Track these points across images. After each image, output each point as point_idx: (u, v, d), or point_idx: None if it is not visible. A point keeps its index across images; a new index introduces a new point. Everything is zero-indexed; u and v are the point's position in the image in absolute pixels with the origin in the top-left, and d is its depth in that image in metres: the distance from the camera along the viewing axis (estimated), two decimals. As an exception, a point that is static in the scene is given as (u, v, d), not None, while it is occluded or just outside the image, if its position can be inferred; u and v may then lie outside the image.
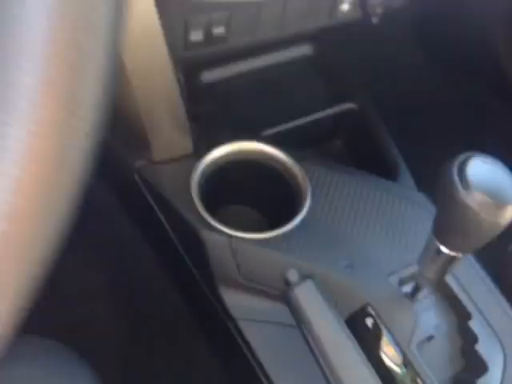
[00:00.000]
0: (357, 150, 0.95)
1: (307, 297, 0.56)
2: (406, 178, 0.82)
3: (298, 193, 0.76)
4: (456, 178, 0.51)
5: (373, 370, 0.55)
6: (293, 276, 0.57)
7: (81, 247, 1.09)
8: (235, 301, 0.68)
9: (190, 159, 0.75)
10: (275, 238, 0.69)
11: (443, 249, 0.57)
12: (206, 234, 0.69)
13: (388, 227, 0.73)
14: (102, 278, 1.05)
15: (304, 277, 0.58)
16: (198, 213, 0.70)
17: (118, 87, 0.70)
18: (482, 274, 0.71)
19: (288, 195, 0.78)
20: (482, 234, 0.52)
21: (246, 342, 0.66)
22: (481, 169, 0.52)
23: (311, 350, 0.55)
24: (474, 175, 0.51)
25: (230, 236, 0.68)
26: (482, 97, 1.39)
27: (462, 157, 0.52)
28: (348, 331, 0.56)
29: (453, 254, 0.57)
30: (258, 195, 0.82)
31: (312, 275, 0.58)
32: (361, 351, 0.55)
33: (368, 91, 0.97)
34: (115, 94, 0.69)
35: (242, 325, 0.67)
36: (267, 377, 0.64)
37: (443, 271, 0.60)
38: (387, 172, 0.85)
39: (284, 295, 0.57)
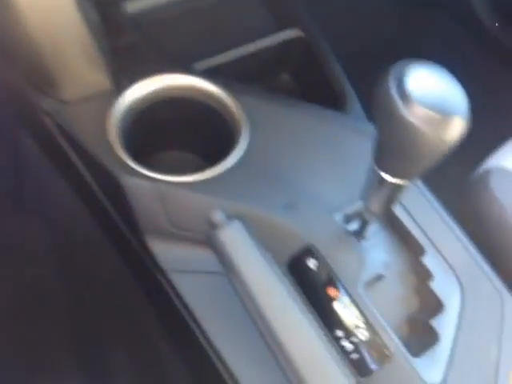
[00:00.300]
0: (305, 82, 0.87)
1: (232, 239, 0.49)
2: (357, 109, 0.75)
3: (234, 130, 0.68)
4: (394, 91, 0.44)
5: (311, 318, 0.49)
6: (217, 217, 0.50)
7: (20, 211, 1.02)
8: (165, 251, 0.61)
9: (108, 97, 0.66)
10: (206, 180, 0.61)
11: (386, 176, 0.50)
12: (127, 180, 0.61)
13: (333, 161, 0.66)
14: (42, 241, 0.98)
15: (231, 218, 0.51)
16: (118, 157, 0.62)
17: (10, 17, 0.61)
18: (435, 203, 0.65)
19: (225, 134, 0.70)
20: (426, 155, 0.45)
21: (178, 295, 0.59)
22: (422, 78, 0.44)
23: (242, 300, 0.49)
24: (415, 86, 0.43)
25: (155, 180, 0.61)
26: (442, 27, 1.32)
27: (399, 65, 0.44)
28: (282, 276, 0.49)
29: (397, 181, 0.50)
30: (195, 137, 0.74)
31: (240, 216, 0.51)
32: (297, 298, 0.49)
33: (316, 18, 0.89)
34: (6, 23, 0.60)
35: (172, 276, 0.60)
36: (202, 330, 0.58)
37: (389, 202, 0.54)
38: (337, 104, 0.77)
39: (208, 239, 0.50)
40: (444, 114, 0.42)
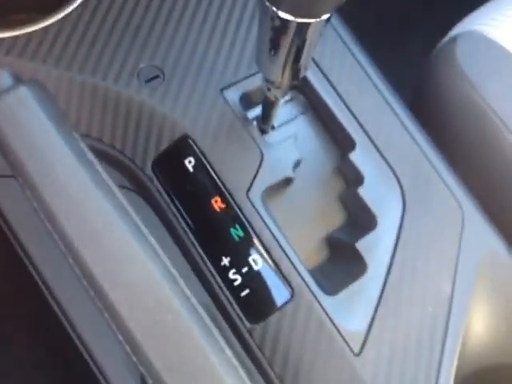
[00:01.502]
0: None
1: (9, 115, 0.29)
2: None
3: None
4: None
5: (152, 246, 0.30)
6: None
7: None
8: None
9: None
10: (26, 35, 0.40)
11: (283, 15, 0.30)
12: None
13: (224, 18, 0.44)
14: None
15: (22, 82, 0.31)
16: None
17: None
18: (368, 64, 0.44)
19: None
20: None
21: None
22: None
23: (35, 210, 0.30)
24: None
25: None
26: None
27: None
28: (101, 174, 0.30)
29: (300, 19, 0.30)
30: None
31: (34, 80, 0.31)
32: (124, 208, 0.29)
33: None
34: None
35: None
36: (19, 242, 0.40)
37: (297, 64, 0.34)
38: None
39: None
40: None
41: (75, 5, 0.42)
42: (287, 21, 0.30)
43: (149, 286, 0.27)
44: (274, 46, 0.33)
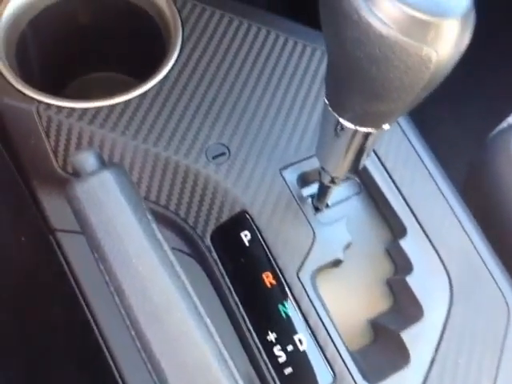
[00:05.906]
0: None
1: (91, 196, 0.32)
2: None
3: (167, 42, 0.50)
4: None
5: (205, 323, 0.32)
6: (82, 161, 0.34)
7: None
8: (54, 205, 0.46)
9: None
10: (104, 107, 0.44)
11: (345, 123, 0.32)
12: (5, 101, 0.44)
13: (288, 102, 0.47)
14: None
15: (106, 166, 0.34)
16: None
17: None
18: (427, 157, 0.46)
19: (159, 47, 0.52)
20: (404, 86, 0.27)
21: (65, 257, 0.44)
22: None
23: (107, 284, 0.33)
24: None
25: (38, 102, 0.44)
26: None
27: None
28: (168, 256, 0.32)
29: (362, 129, 0.32)
30: (125, 55, 0.57)
31: (117, 164, 0.34)
32: (186, 287, 0.32)
33: None
34: None
35: (60, 237, 0.45)
36: (85, 296, 0.43)
37: (354, 160, 0.36)
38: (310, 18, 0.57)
39: (65, 190, 0.34)
40: (432, 13, 0.24)
41: (154, 82, 0.45)
42: (349, 128, 0.32)
43: (201, 367, 0.30)
44: (335, 144, 0.35)
